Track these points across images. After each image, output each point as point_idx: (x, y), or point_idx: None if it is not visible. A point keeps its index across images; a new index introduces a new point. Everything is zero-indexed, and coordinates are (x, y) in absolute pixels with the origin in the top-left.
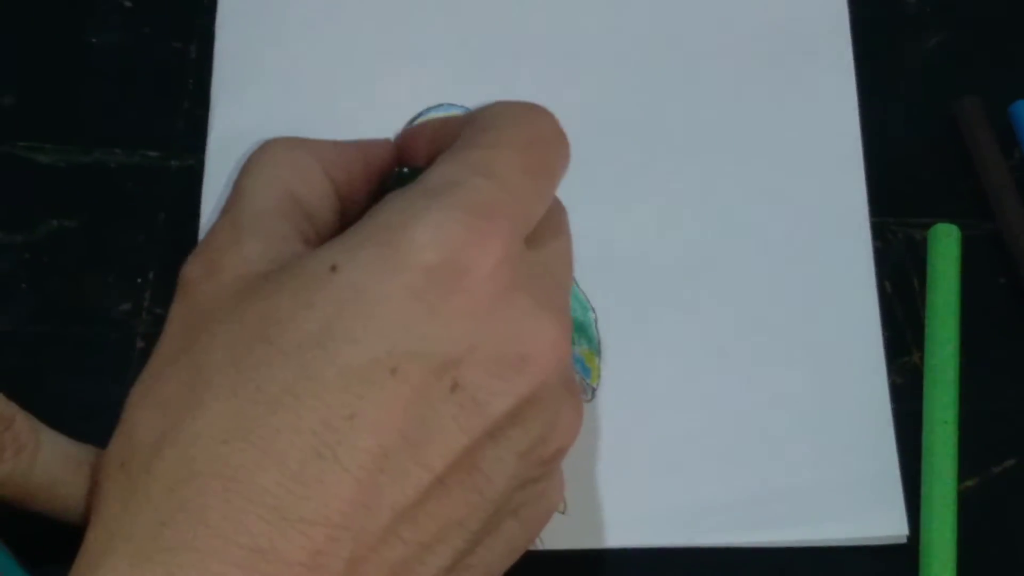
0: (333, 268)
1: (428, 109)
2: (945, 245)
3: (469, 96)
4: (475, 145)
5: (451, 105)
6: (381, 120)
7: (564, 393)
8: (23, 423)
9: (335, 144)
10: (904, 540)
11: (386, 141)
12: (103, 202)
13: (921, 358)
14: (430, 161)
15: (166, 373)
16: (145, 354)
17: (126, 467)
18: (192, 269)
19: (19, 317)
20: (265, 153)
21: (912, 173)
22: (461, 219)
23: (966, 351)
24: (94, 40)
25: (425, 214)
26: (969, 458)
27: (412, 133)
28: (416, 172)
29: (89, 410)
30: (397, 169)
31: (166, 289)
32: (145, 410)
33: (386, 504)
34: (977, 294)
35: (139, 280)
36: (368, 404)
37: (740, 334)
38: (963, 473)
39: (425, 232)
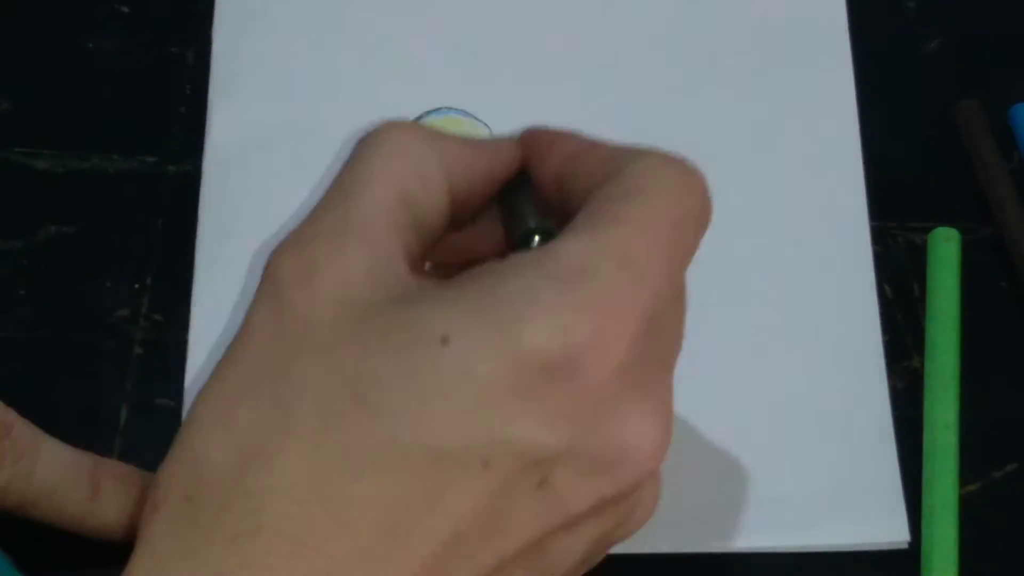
0: (444, 340)
1: (428, 112)
2: (945, 249)
3: (468, 100)
4: (616, 220)
5: (450, 109)
6: None
7: (650, 482)
8: (22, 430)
9: (461, 143)
10: (906, 545)
11: (512, 145)
12: (101, 208)
13: (922, 362)
14: (560, 194)
15: (244, 400)
16: (143, 360)
17: (192, 502)
18: (286, 265)
19: (17, 323)
20: (386, 142)
21: (912, 177)
22: (587, 315)
23: (967, 355)
24: (91, 46)
25: (550, 303)
26: (970, 463)
27: (544, 141)
28: (547, 237)
29: (88, 416)
30: (526, 228)
31: (164, 295)
32: (217, 440)
33: None
34: (977, 298)
35: (137, 286)
36: (452, 491)
37: (740, 338)
38: (964, 478)
39: (546, 322)
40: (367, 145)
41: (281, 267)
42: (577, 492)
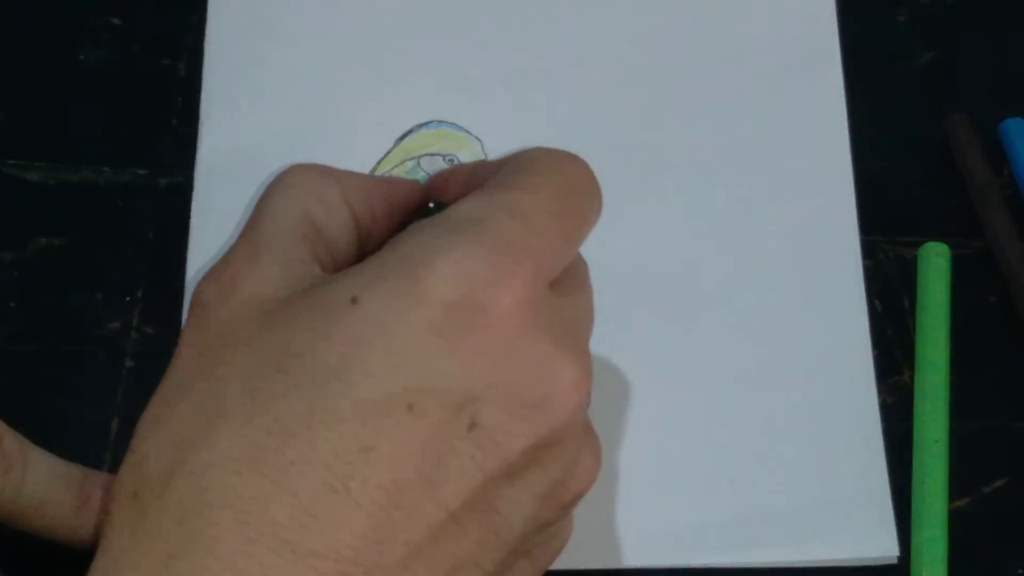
0: (353, 300)
1: (419, 125)
2: (935, 264)
3: (460, 112)
4: (505, 186)
5: (441, 122)
6: (370, 137)
7: (583, 436)
8: (11, 442)
9: (360, 176)
10: (895, 560)
11: (414, 182)
12: (92, 220)
13: (911, 377)
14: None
15: (179, 400)
16: (134, 373)
17: (138, 496)
18: (207, 290)
19: (8, 335)
20: (287, 177)
21: (902, 191)
22: (484, 256)
23: (956, 370)
24: (83, 57)
25: (448, 249)
26: (960, 477)
27: (444, 177)
28: (443, 206)
29: (78, 429)
30: (426, 204)
31: (155, 307)
32: (157, 438)
33: (399, 540)
34: (967, 313)
35: (128, 298)
36: (383, 439)
37: (730, 353)
38: (954, 492)
39: (447, 267)
40: (273, 184)
41: (203, 292)
42: (508, 432)
